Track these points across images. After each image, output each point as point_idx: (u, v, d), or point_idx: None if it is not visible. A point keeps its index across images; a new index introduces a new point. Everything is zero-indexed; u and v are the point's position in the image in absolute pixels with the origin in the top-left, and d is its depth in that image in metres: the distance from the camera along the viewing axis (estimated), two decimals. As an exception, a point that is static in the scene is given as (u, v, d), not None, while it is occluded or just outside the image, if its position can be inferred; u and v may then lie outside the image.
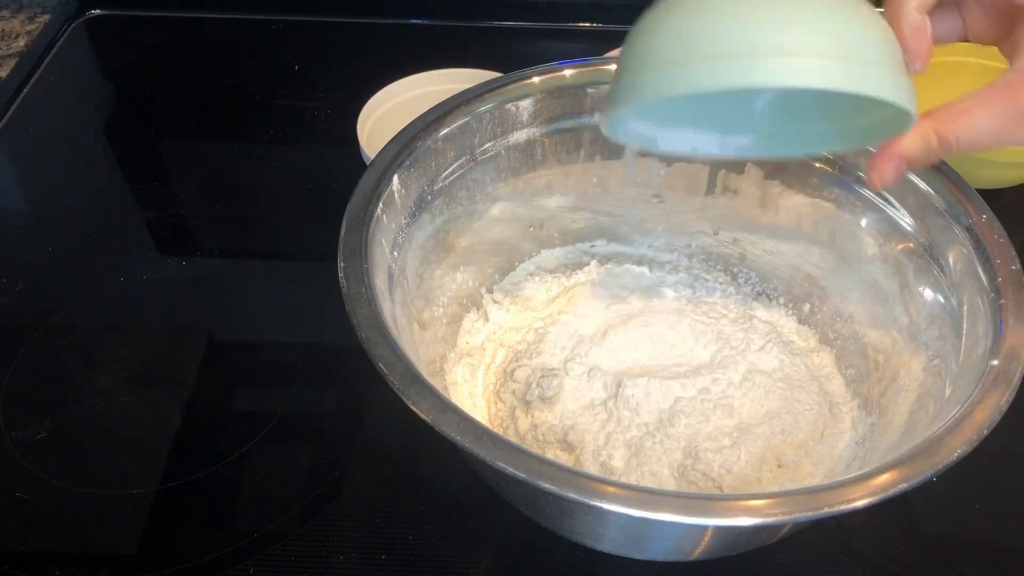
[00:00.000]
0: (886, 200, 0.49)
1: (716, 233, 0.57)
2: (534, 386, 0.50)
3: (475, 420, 0.35)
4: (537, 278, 0.57)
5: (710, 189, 0.56)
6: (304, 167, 0.71)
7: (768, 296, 0.56)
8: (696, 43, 0.34)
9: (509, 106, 0.51)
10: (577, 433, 0.48)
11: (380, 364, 0.37)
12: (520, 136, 0.52)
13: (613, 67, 0.52)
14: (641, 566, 0.45)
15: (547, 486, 0.33)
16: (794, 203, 0.53)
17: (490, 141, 0.51)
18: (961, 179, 0.46)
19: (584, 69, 0.52)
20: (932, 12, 0.39)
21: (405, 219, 0.47)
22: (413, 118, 0.49)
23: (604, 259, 0.59)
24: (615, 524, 0.40)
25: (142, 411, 0.53)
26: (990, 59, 0.72)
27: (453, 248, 0.52)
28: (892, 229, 0.49)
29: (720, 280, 0.58)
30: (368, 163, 0.46)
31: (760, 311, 0.56)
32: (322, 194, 0.68)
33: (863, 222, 0.50)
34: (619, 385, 0.49)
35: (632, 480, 0.46)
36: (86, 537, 0.47)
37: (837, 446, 0.48)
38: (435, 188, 0.49)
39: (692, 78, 0.34)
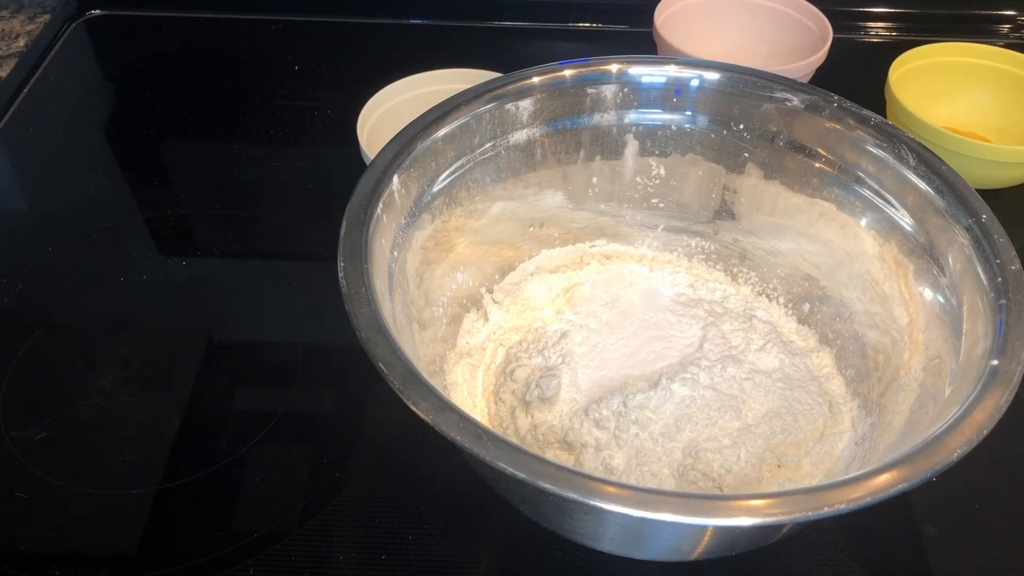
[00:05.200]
0: (886, 200, 0.49)
1: (716, 233, 0.57)
2: (533, 386, 0.50)
3: (475, 420, 0.35)
4: (537, 278, 0.57)
5: (710, 190, 0.56)
6: (304, 167, 0.71)
7: (768, 296, 0.56)
8: None
9: (509, 106, 0.51)
10: (577, 433, 0.48)
11: (380, 364, 0.37)
12: (520, 136, 0.52)
13: (614, 67, 0.53)
14: (641, 566, 0.45)
15: (547, 486, 0.33)
16: (794, 203, 0.53)
17: (490, 141, 0.51)
18: (961, 179, 0.46)
19: (584, 69, 0.52)
20: None
21: (405, 219, 0.47)
22: (413, 118, 0.49)
23: (604, 259, 0.59)
24: (615, 524, 0.40)
25: (142, 411, 0.53)
26: (990, 59, 0.72)
27: (453, 248, 0.52)
28: (892, 229, 0.49)
29: (720, 280, 0.58)
30: (368, 163, 0.46)
31: (760, 311, 0.56)
32: (322, 194, 0.68)
33: (863, 222, 0.50)
34: (625, 397, 0.49)
35: (632, 480, 0.46)
36: (86, 537, 0.47)
37: (837, 446, 0.48)
38: (435, 188, 0.49)
39: None
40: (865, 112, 0.50)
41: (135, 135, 0.74)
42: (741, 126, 0.53)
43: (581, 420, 0.48)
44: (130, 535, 0.47)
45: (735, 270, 0.58)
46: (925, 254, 0.46)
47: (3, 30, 0.86)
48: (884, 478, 0.33)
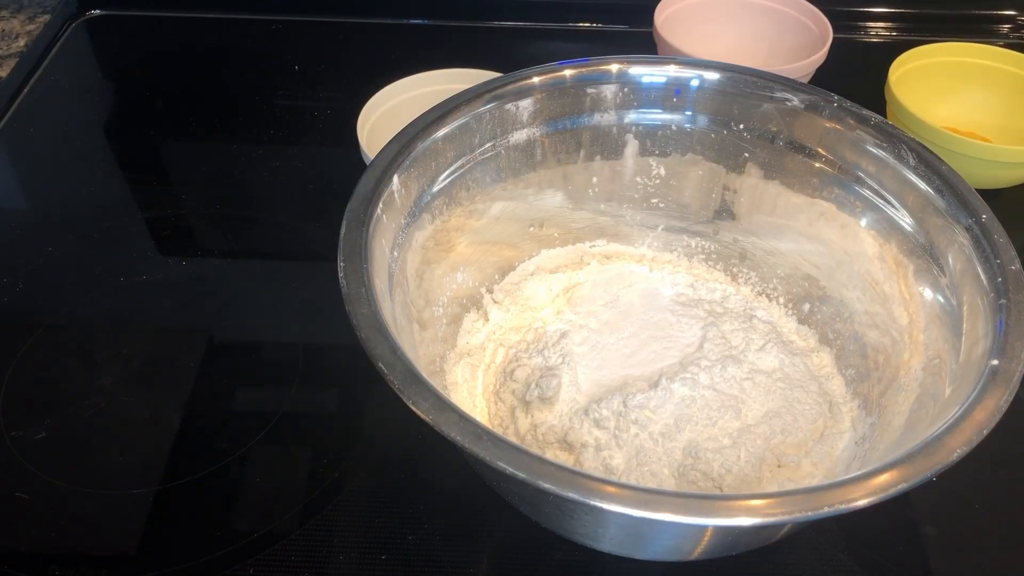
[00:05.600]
0: (886, 200, 0.49)
1: (716, 233, 0.57)
2: (533, 386, 0.50)
3: (475, 420, 0.35)
4: (537, 278, 0.57)
5: (710, 190, 0.56)
6: (304, 167, 0.71)
7: (768, 296, 0.56)
8: None
9: (509, 106, 0.51)
10: (577, 433, 0.48)
11: (380, 364, 0.37)
12: (520, 136, 0.52)
13: (614, 67, 0.53)
14: (641, 566, 0.45)
15: (547, 486, 0.33)
16: (794, 203, 0.53)
17: (490, 141, 0.51)
18: (961, 179, 0.46)
19: (584, 69, 0.52)
20: None
21: (405, 219, 0.47)
22: (413, 118, 0.49)
23: (604, 259, 0.59)
24: (615, 524, 0.40)
25: (142, 411, 0.53)
26: (990, 59, 0.72)
27: (453, 248, 0.52)
28: (892, 229, 0.49)
29: (720, 280, 0.58)
30: (368, 163, 0.46)
31: (760, 311, 0.56)
32: (322, 194, 0.68)
33: (863, 222, 0.50)
34: (625, 397, 0.49)
35: (632, 480, 0.46)
36: (86, 537, 0.47)
37: (837, 446, 0.48)
38: (435, 188, 0.49)
39: None
40: (865, 112, 0.50)
41: (135, 135, 0.74)
42: (741, 126, 0.53)
43: (581, 420, 0.48)
44: (130, 535, 0.47)
45: (735, 270, 0.58)
46: (925, 254, 0.46)
47: (3, 30, 0.86)
48: (884, 478, 0.33)
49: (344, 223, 0.43)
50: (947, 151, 0.61)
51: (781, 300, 0.56)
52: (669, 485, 0.46)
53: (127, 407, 0.53)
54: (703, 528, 0.38)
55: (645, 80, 0.53)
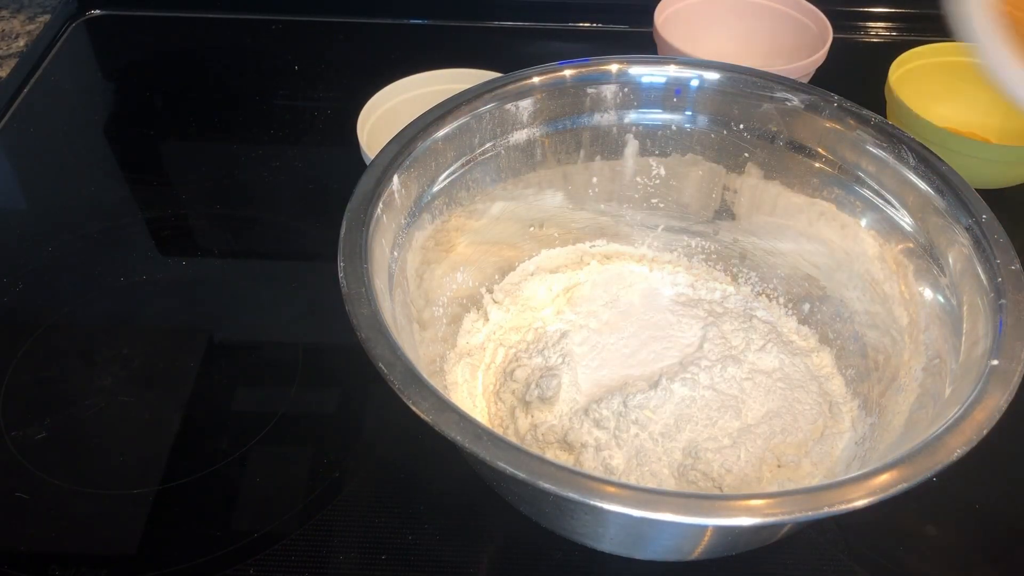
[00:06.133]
0: (886, 200, 0.49)
1: (716, 233, 0.57)
2: (533, 386, 0.50)
3: (475, 420, 0.35)
4: (537, 278, 0.57)
5: (710, 190, 0.56)
6: (304, 167, 0.71)
7: (768, 296, 0.56)
8: None
9: (509, 106, 0.51)
10: (577, 433, 0.48)
11: (380, 364, 0.37)
12: (520, 136, 0.52)
13: (614, 67, 0.53)
14: (641, 566, 0.45)
15: (547, 486, 0.33)
16: (794, 203, 0.53)
17: (490, 141, 0.51)
18: (961, 179, 0.46)
19: (584, 69, 0.52)
20: None
21: (405, 219, 0.47)
22: (413, 118, 0.49)
23: (604, 259, 0.59)
24: (615, 524, 0.40)
25: (142, 411, 0.53)
26: (990, 59, 0.72)
27: (453, 248, 0.52)
28: (892, 229, 0.49)
29: (720, 280, 0.58)
30: (368, 163, 0.46)
31: (760, 311, 0.56)
32: (322, 194, 0.68)
33: (863, 222, 0.50)
34: (625, 397, 0.49)
35: (632, 480, 0.46)
36: (86, 537, 0.47)
37: (837, 446, 0.48)
38: (435, 188, 0.49)
39: None
40: (865, 112, 0.50)
41: (135, 135, 0.74)
42: (741, 126, 0.53)
43: (581, 420, 0.48)
44: (130, 535, 0.47)
45: (735, 270, 0.58)
46: (925, 254, 0.46)
47: (3, 30, 0.86)
48: (884, 478, 0.33)
49: (344, 223, 0.43)
50: (947, 151, 0.61)
51: (781, 300, 0.56)
52: (669, 485, 0.46)
53: (127, 407, 0.53)
54: (703, 528, 0.38)
55: (645, 80, 0.53)
